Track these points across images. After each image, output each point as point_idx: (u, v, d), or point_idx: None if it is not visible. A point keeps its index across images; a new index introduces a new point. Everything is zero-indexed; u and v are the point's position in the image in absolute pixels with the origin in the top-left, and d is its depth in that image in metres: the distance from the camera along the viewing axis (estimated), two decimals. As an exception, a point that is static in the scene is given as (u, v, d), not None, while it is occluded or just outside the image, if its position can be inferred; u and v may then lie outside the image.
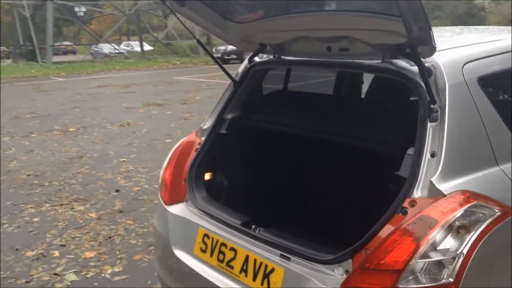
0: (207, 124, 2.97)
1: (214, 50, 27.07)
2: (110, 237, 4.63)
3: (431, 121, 2.01)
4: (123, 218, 5.10)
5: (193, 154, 2.89)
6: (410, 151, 2.06)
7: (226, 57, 25.96)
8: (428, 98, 2.02)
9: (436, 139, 1.98)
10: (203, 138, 2.94)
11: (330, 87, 3.72)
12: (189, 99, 13.45)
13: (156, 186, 6.04)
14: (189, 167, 2.81)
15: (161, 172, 2.97)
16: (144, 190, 5.96)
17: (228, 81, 2.96)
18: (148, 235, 4.63)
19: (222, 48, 26.70)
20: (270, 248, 2.22)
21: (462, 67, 2.13)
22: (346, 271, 1.96)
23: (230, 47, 25.94)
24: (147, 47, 39.09)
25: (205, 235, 2.51)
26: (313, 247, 2.13)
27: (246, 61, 2.94)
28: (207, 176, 2.92)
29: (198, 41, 2.97)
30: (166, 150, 7.73)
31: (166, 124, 10.00)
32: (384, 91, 3.09)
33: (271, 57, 2.77)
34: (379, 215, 2.52)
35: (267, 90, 3.25)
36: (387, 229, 1.91)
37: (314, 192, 3.18)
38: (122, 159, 7.40)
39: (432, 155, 1.96)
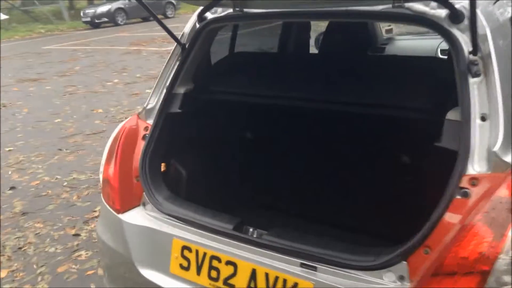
0: (152, 103, 2.35)
1: (82, 14, 24.86)
2: (20, 248, 3.81)
3: (473, 76, 1.63)
4: (29, 221, 4.26)
5: (141, 143, 2.26)
6: (451, 115, 1.67)
7: (96, 21, 24.04)
8: (470, 48, 1.62)
9: (484, 98, 1.60)
10: (149, 121, 2.32)
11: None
12: (67, 71, 12.08)
13: (59, 177, 5.19)
14: (140, 160, 2.19)
15: (101, 170, 2.31)
16: (45, 184, 5.08)
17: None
18: (67, 238, 3.89)
19: (90, 11, 24.59)
20: (284, 256, 1.73)
21: (495, 6, 1.75)
22: (400, 277, 1.55)
23: (100, 10, 24.04)
24: (2, 17, 35.01)
25: (185, 247, 1.95)
26: (343, 249, 1.68)
27: (194, 19, 2.33)
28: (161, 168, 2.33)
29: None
30: (57, 131, 6.78)
31: (49, 101, 8.82)
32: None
33: (230, 11, 2.20)
34: (399, 196, 2.14)
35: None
36: (449, 218, 1.51)
37: (309, 175, 2.65)
38: (8, 149, 6.31)
39: (483, 119, 1.59)
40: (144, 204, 2.16)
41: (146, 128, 2.30)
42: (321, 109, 2.22)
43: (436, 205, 1.55)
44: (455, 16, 1.67)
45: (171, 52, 2.37)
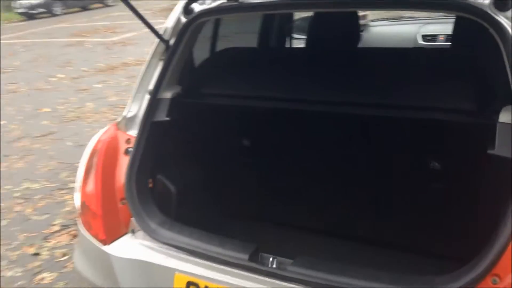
0: (133, 110, 2.02)
1: (16, 5, 23.44)
2: (-29, 275, 3.36)
3: None
4: (-21, 241, 3.79)
5: (124, 159, 1.93)
6: (505, 117, 1.45)
7: (32, 12, 22.74)
8: None
9: None
10: (131, 132, 1.99)
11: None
12: (7, 67, 11.23)
13: (9, 187, 4.71)
14: (126, 180, 1.86)
15: (77, 193, 1.96)
16: (-5, 195, 4.58)
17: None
18: (26, 259, 3.47)
19: (25, 1, 23.21)
20: None
21: None
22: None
23: (36, 0, 22.73)
24: None
25: (191, 283, 1.65)
26: (393, 280, 1.43)
27: (178, 11, 2.01)
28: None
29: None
30: (2, 135, 6.21)
31: (-11, 102, 8.12)
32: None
33: (223, 1, 1.89)
34: (428, 207, 1.92)
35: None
36: None
37: (319, 185, 2.32)
38: None
39: None
40: (133, 232, 1.84)
41: (128, 141, 1.97)
42: (331, 112, 1.95)
43: (480, 217, 1.34)
44: (501, 2, 1.44)
45: (152, 50, 2.04)
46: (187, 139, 2.18)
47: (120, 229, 1.85)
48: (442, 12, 1.76)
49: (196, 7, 1.96)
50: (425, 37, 3.92)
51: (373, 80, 1.93)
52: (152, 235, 1.77)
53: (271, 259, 1.59)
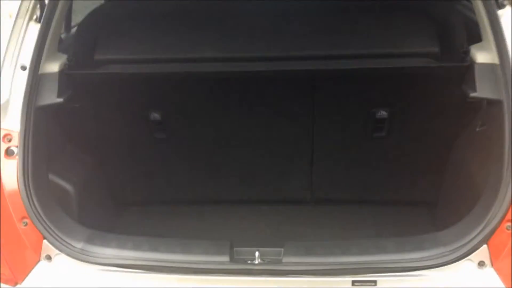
0: (4, 93, 1.47)
1: None
2: None
3: (500, 7, 1.37)
4: None
5: (7, 163, 1.41)
6: (482, 57, 1.39)
7: None
8: None
9: None
10: (7, 125, 1.45)
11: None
12: None
13: None
14: (23, 193, 1.36)
15: None
16: None
17: None
18: None
19: None
20: (327, 278, 1.29)
21: None
22: (481, 264, 1.28)
23: None
24: None
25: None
26: (396, 248, 1.32)
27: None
28: None
29: None
30: None
31: None
32: None
33: None
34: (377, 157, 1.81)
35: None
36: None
37: (258, 153, 1.94)
38: None
39: None
40: (49, 258, 1.37)
41: (8, 138, 1.43)
42: (260, 70, 1.66)
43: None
44: None
45: (16, 6, 1.47)
46: (84, 122, 1.69)
47: (30, 259, 1.36)
48: None
49: None
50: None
51: (310, 29, 1.69)
52: (82, 256, 1.34)
53: (257, 253, 1.32)
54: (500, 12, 1.36)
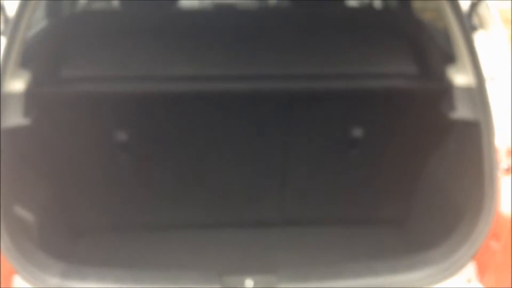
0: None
1: None
2: None
3: (473, 31, 1.43)
4: None
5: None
6: (459, 79, 1.44)
7: None
8: None
9: (489, 56, 1.42)
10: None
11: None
12: None
13: None
14: None
15: None
16: None
17: None
18: None
19: None
20: None
21: None
22: (469, 279, 1.31)
23: None
24: None
25: None
26: (387, 269, 1.32)
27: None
28: None
29: None
30: None
31: None
32: None
33: None
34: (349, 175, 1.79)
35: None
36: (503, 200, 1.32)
37: (225, 175, 1.87)
38: None
39: (492, 79, 1.42)
40: None
41: None
42: (230, 89, 1.60)
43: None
44: None
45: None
46: (43, 144, 1.55)
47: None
48: None
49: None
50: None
51: (286, 47, 1.66)
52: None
53: (248, 281, 1.27)
54: (474, 36, 1.43)
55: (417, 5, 2.66)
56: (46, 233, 1.54)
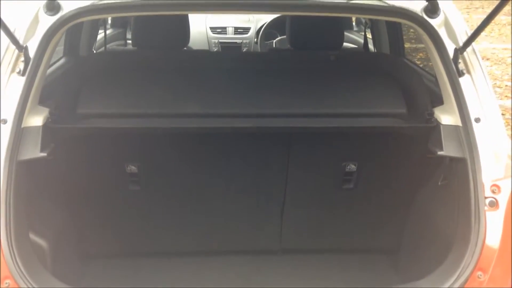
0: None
1: None
2: None
3: (460, 75, 1.54)
4: None
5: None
6: (447, 120, 1.55)
7: None
8: (460, 45, 1.51)
9: (475, 98, 1.53)
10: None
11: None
12: None
13: None
14: (5, 250, 1.32)
15: None
16: None
17: None
18: None
19: None
20: None
21: None
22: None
23: None
24: None
25: None
26: None
27: (34, 8, 1.49)
28: None
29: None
30: None
31: None
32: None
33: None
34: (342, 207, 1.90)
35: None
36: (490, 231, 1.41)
37: (228, 207, 1.98)
38: None
39: (477, 120, 1.52)
40: None
41: None
42: (236, 127, 1.73)
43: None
44: (433, 8, 1.51)
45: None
46: (58, 174, 1.66)
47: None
48: (375, 17, 1.75)
49: (65, 3, 1.47)
50: (214, 29, 3.84)
51: (287, 88, 1.79)
52: None
53: None
54: (460, 80, 1.54)
55: (411, 45, 2.83)
56: (58, 259, 1.63)
